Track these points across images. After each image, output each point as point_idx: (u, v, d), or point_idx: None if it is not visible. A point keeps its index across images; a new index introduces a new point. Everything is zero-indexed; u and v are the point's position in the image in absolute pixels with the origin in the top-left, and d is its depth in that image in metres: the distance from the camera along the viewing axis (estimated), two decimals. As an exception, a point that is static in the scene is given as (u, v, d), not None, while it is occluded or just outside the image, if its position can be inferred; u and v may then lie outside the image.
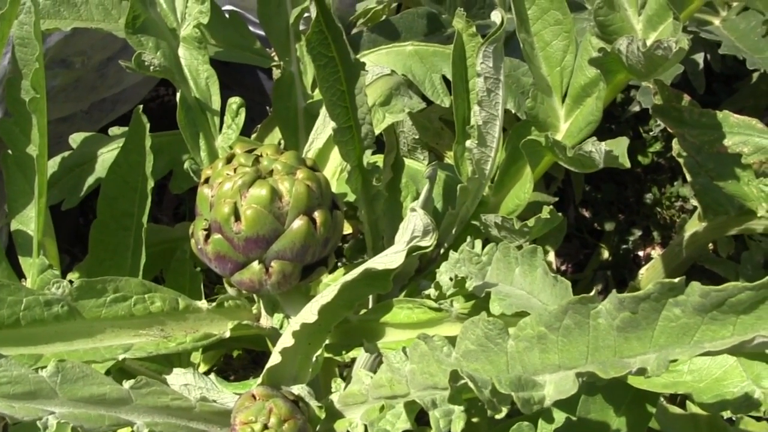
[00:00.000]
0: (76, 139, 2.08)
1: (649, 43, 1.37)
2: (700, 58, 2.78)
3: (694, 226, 2.08)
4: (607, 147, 1.43)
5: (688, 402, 1.74)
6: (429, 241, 1.27)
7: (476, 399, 2.00)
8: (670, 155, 3.15)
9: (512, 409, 2.27)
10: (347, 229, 2.29)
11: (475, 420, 1.99)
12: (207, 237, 1.38)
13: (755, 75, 2.91)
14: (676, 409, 1.69)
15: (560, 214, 2.43)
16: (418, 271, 1.71)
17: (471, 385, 0.99)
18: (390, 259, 1.27)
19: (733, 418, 1.67)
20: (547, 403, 0.97)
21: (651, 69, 1.44)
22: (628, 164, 1.44)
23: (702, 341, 0.89)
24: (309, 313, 1.29)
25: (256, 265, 1.37)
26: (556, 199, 2.28)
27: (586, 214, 3.16)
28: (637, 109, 2.95)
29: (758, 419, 1.72)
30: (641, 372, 0.89)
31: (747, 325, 0.88)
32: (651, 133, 3.04)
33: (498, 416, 1.02)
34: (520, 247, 1.32)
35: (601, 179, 3.19)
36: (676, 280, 0.88)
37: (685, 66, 2.72)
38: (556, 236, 2.46)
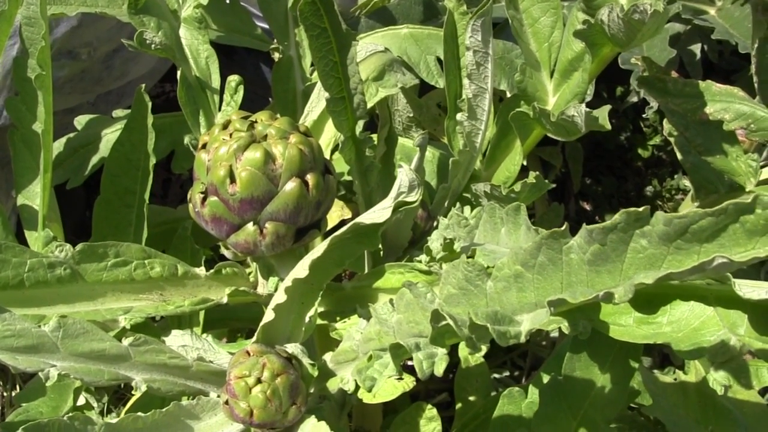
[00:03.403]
0: (80, 120, 2.13)
1: (626, 8, 1.41)
2: (697, 48, 2.82)
3: (687, 206, 2.12)
4: (587, 109, 1.47)
5: (678, 372, 1.78)
6: (414, 197, 1.31)
7: (472, 379, 2.03)
8: (670, 149, 3.19)
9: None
10: (346, 214, 2.33)
11: (472, 398, 2.03)
12: (204, 200, 1.42)
13: (752, 68, 2.95)
14: (666, 378, 1.72)
15: (561, 204, 2.48)
16: (412, 244, 1.75)
17: (451, 322, 1.02)
18: (378, 214, 1.31)
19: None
20: (522, 339, 1.01)
21: (631, 35, 1.48)
22: (608, 126, 1.48)
23: (668, 270, 0.93)
24: (301, 269, 1.33)
25: (250, 226, 1.41)
26: (554, 185, 2.33)
27: (587, 207, 3.19)
28: (635, 99, 2.99)
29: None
30: (608, 297, 0.93)
31: (711, 253, 0.92)
32: (644, 116, 3.07)
33: (478, 354, 1.05)
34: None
35: (602, 173, 3.22)
36: (641, 209, 0.92)
37: (682, 56, 2.77)
38: (554, 221, 2.50)
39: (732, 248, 0.92)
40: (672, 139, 1.96)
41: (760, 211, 0.89)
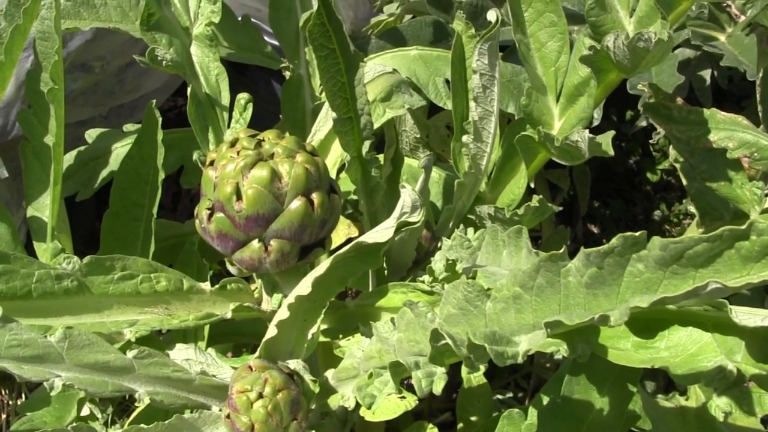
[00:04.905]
0: (91, 134, 2.16)
1: (632, 35, 1.43)
2: (707, 74, 2.83)
3: (693, 232, 2.13)
4: (590, 135, 1.49)
5: (678, 396, 1.78)
6: (417, 217, 1.33)
7: (474, 399, 2.04)
8: (678, 173, 3.19)
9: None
10: (353, 232, 2.35)
11: (473, 418, 2.04)
12: (210, 216, 1.44)
13: (757, 97, 2.95)
14: (665, 403, 1.73)
15: (568, 227, 2.49)
16: (416, 264, 1.77)
17: (450, 342, 1.04)
18: (380, 234, 1.33)
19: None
20: (520, 359, 1.02)
21: (636, 62, 1.50)
22: (611, 152, 1.49)
23: (663, 294, 0.95)
24: (304, 286, 1.35)
25: (256, 243, 1.42)
26: (560, 208, 2.34)
27: (595, 229, 3.20)
28: (644, 123, 3.00)
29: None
30: (604, 320, 0.94)
31: (705, 279, 0.93)
32: (651, 141, 3.08)
33: (479, 373, 1.07)
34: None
35: (610, 196, 3.23)
36: (638, 234, 0.94)
37: (692, 82, 2.78)
38: (560, 244, 2.51)
39: (727, 274, 0.93)
40: (678, 165, 1.97)
41: (755, 238, 0.90)
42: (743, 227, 0.90)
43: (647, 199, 3.27)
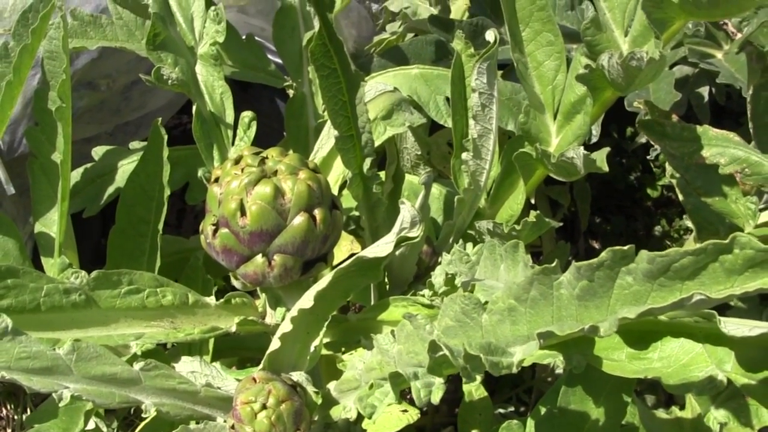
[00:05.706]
0: (98, 151, 2.19)
1: (624, 54, 1.47)
2: (705, 91, 2.86)
3: (690, 247, 2.15)
4: (585, 152, 1.52)
5: (676, 409, 1.81)
6: (416, 232, 1.36)
7: (475, 413, 2.06)
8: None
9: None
10: (356, 248, 2.37)
11: (475, 431, 2.06)
12: (215, 231, 1.47)
13: (748, 114, 2.98)
14: (662, 414, 1.75)
15: (568, 243, 2.51)
16: (417, 278, 1.80)
17: (447, 353, 1.07)
18: (380, 249, 1.36)
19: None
20: (514, 369, 1.05)
21: (629, 81, 1.54)
22: (605, 168, 1.53)
23: (650, 306, 0.98)
24: (306, 300, 1.38)
25: (259, 258, 1.46)
26: (561, 224, 2.36)
27: (596, 245, 3.22)
28: (644, 140, 3.03)
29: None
30: (594, 331, 0.97)
31: (691, 291, 0.97)
32: (649, 158, 3.11)
33: (478, 388, 1.10)
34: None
35: (611, 212, 3.26)
36: (626, 247, 0.97)
37: (690, 99, 2.81)
38: (560, 260, 2.53)
39: (712, 286, 0.97)
40: (674, 181, 2.00)
41: (737, 251, 0.94)
42: (726, 241, 0.93)
43: (648, 215, 3.29)
